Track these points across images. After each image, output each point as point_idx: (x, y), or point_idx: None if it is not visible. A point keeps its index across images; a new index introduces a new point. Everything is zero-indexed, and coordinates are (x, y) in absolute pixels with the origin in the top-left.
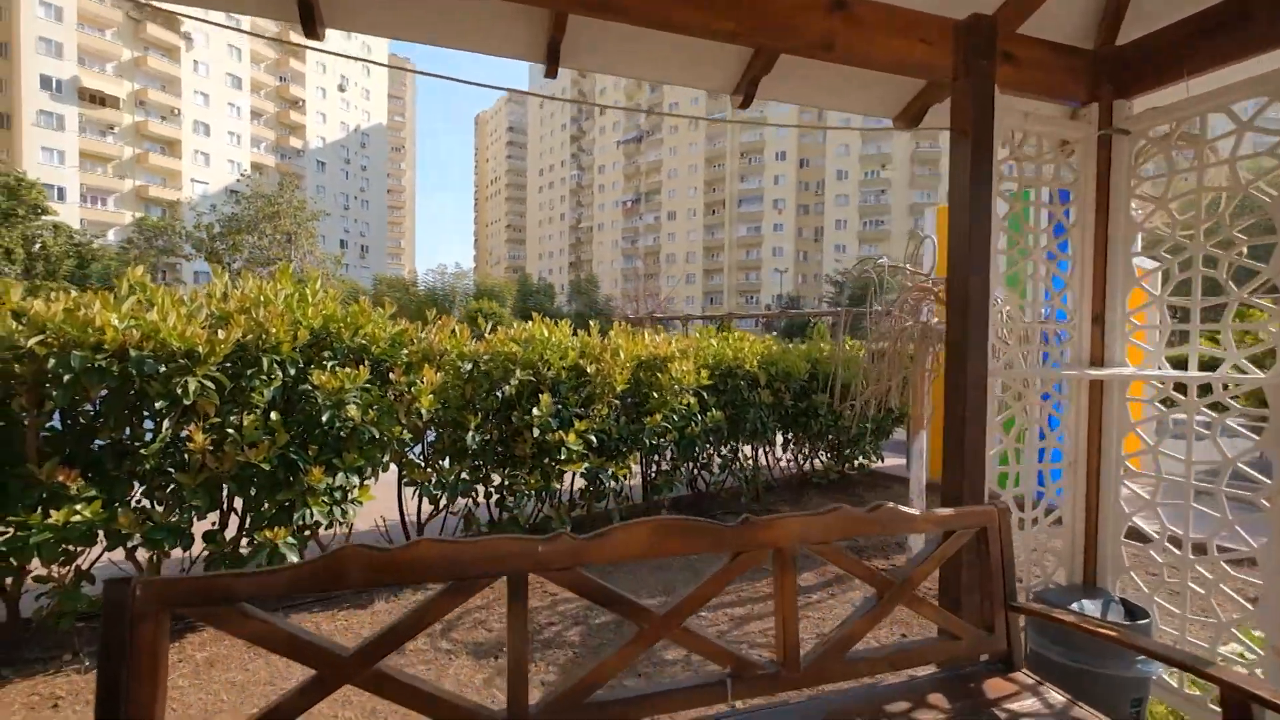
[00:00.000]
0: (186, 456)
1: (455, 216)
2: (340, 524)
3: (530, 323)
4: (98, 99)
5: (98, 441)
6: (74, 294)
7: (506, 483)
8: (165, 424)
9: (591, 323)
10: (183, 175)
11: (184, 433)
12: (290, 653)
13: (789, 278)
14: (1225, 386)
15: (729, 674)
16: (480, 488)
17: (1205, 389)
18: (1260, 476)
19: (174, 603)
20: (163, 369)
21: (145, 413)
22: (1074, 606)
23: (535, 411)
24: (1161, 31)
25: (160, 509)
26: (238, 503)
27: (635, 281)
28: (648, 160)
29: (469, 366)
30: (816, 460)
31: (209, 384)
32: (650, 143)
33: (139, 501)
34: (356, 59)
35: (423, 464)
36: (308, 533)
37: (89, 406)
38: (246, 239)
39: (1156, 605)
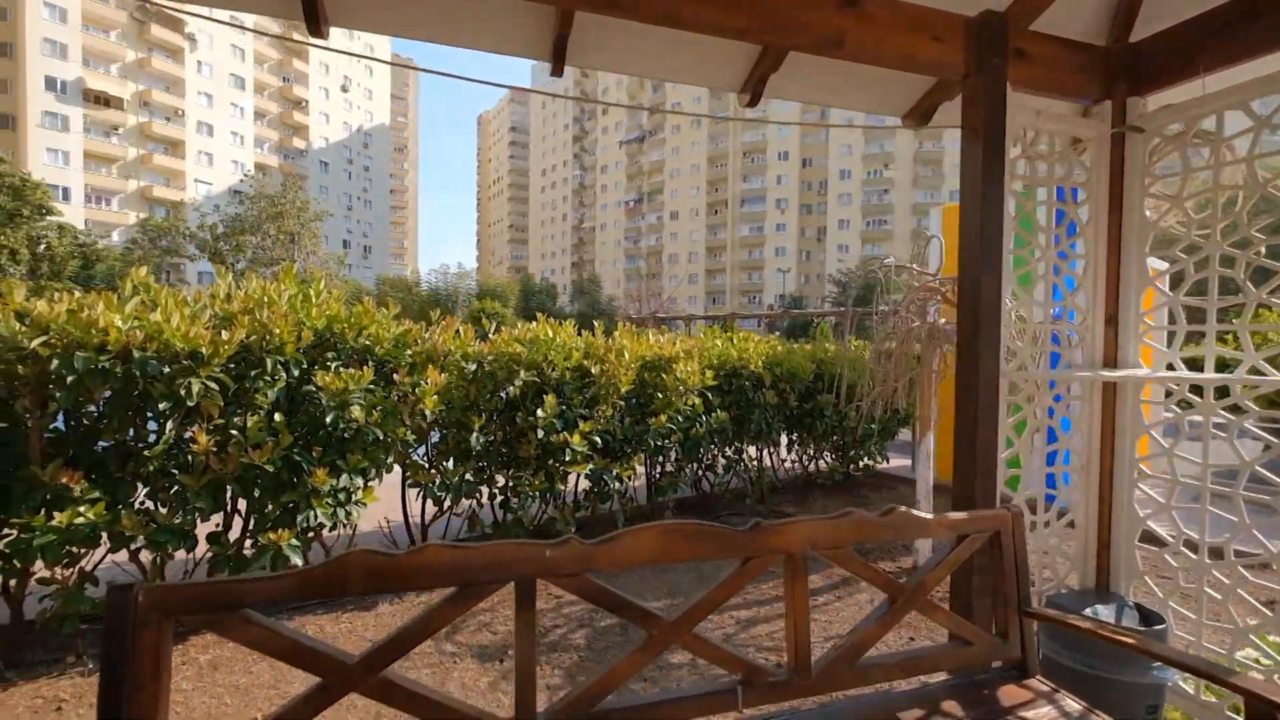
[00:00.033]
0: (190, 458)
1: (458, 217)
2: (344, 526)
3: (534, 323)
4: (102, 100)
5: (101, 443)
6: (78, 295)
7: (511, 484)
8: (169, 425)
9: (596, 323)
10: (186, 176)
11: (188, 434)
12: (295, 660)
13: (791, 278)
14: (1243, 388)
15: (740, 681)
16: (484, 489)
17: (1222, 391)
18: (1278, 480)
19: (176, 610)
20: (166, 370)
21: (149, 414)
22: (1087, 611)
23: (540, 412)
24: (1176, 28)
25: (164, 511)
26: (242, 504)
27: (638, 281)
28: (650, 160)
29: (473, 367)
30: (821, 461)
31: (213, 385)
32: (653, 143)
33: (143, 503)
34: (360, 56)
35: (427, 465)
36: (312, 534)
37: (92, 408)
38: (250, 239)
39: (1171, 610)
